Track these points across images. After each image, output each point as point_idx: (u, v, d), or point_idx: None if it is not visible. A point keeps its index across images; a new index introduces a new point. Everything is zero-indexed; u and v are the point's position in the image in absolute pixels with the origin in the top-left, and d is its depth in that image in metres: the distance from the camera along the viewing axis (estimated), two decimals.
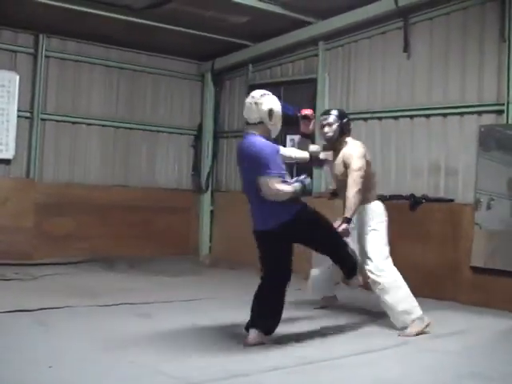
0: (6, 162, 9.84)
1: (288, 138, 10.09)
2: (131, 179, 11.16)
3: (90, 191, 10.30)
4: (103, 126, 10.88)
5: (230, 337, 5.53)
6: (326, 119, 6.36)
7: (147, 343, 5.20)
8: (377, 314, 6.40)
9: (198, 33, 10.04)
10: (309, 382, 4.33)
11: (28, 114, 10.08)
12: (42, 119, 10.17)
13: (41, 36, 10.17)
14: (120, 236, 10.43)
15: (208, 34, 10.15)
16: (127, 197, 10.75)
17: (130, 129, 11.19)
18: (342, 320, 6.38)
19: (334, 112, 6.41)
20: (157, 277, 8.86)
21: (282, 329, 5.44)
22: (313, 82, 9.96)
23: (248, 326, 5.35)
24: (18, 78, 9.91)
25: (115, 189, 10.75)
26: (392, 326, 5.92)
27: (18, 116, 9.90)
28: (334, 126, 6.28)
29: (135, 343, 5.15)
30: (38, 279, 8.38)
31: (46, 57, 10.30)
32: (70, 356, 4.61)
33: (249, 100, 5.36)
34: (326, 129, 6.32)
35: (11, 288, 7.57)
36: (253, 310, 5.37)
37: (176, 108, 11.82)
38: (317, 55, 9.94)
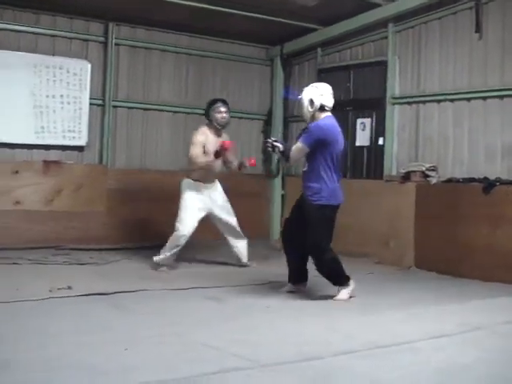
0: (80, 148, 10.06)
1: (358, 121, 10.08)
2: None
3: (161, 177, 10.39)
4: (174, 112, 10.99)
5: (303, 318, 5.55)
6: (226, 107, 8.25)
7: (219, 326, 5.26)
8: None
9: (266, 17, 10.01)
10: (387, 365, 4.27)
11: (100, 102, 10.26)
12: (114, 106, 10.33)
13: (111, 24, 10.31)
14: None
15: (277, 19, 10.11)
16: None
17: (200, 114, 11.21)
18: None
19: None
20: (227, 261, 8.92)
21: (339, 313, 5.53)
22: (383, 64, 9.87)
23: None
24: (89, 66, 10.08)
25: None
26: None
27: (90, 104, 10.09)
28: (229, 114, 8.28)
29: (207, 326, 5.22)
30: (111, 263, 8.54)
31: (116, 45, 10.45)
32: (145, 338, 4.69)
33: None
34: (226, 115, 8.22)
35: (87, 272, 7.75)
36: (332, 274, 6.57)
37: (245, 93, 11.83)
38: (386, 37, 9.84)
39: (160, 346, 4.47)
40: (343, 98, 10.08)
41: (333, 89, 6.69)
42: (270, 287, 7.16)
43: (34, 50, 9.73)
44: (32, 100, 9.61)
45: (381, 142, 9.93)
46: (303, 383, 3.80)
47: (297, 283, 6.91)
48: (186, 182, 8.26)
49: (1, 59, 9.31)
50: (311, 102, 6.50)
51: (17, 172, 9.50)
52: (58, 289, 6.41)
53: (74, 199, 9.78)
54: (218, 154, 7.99)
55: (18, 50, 9.61)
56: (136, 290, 6.59)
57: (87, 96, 10.00)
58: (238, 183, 11.07)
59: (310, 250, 6.58)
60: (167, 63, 10.94)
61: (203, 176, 8.23)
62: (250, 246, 8.66)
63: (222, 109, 8.18)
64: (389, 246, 9.32)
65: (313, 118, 6.55)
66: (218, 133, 8.24)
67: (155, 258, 8.15)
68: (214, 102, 8.32)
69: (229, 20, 10.17)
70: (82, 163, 10.06)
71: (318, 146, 6.39)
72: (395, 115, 9.78)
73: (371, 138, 10.16)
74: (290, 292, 6.84)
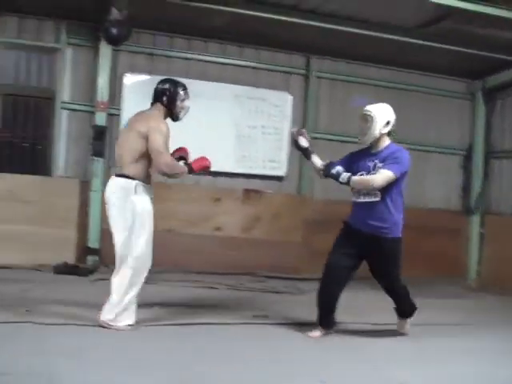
0: (279, 178, 10.28)
1: None
2: None
3: None
4: None
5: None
6: None
7: (413, 363, 5.10)
8: None
9: (469, 51, 9.70)
10: None
11: None
12: (314, 138, 10.43)
13: (312, 57, 10.52)
14: None
15: (479, 52, 9.77)
16: None
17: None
18: None
19: None
20: (421, 298, 8.65)
21: None
22: None
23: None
24: (291, 98, 10.31)
25: None
26: None
27: None
28: None
29: (401, 363, 5.07)
30: (305, 294, 8.56)
31: (318, 77, 10.61)
32: (340, 371, 4.63)
33: None
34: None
35: (282, 301, 7.81)
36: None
37: (445, 127, 11.52)
38: None
39: (356, 379, 4.40)
40: None
41: None
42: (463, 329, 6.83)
43: (237, 81, 10.12)
44: (234, 130, 9.97)
45: None
46: None
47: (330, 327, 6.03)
48: (139, 185, 5.55)
49: (207, 90, 9.74)
50: (388, 123, 5.87)
51: (218, 199, 9.88)
52: (254, 316, 6.51)
53: (272, 228, 9.97)
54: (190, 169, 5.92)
55: (223, 81, 10.03)
56: None
57: (288, 127, 10.20)
58: (433, 218, 10.82)
59: (391, 287, 6.12)
60: (367, 96, 10.90)
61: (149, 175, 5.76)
62: (444, 283, 8.29)
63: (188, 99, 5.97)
64: None
65: (377, 140, 5.86)
66: None
67: None
68: (182, 85, 5.89)
69: (430, 53, 9.95)
70: (280, 193, 10.24)
71: (402, 175, 5.84)
72: None
73: None
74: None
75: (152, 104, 5.87)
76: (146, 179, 5.64)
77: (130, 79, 9.59)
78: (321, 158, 6.15)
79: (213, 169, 9.71)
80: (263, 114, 10.11)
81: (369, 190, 5.72)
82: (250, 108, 10.07)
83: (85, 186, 9.20)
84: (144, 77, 9.60)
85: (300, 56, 10.57)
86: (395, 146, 5.90)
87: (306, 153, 6.19)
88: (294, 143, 6.23)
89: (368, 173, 5.75)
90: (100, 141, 9.25)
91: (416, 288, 8.81)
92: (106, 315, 5.44)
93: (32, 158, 9.84)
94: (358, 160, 5.96)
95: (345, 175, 5.72)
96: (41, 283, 7.67)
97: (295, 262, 9.99)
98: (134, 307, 5.53)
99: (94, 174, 9.21)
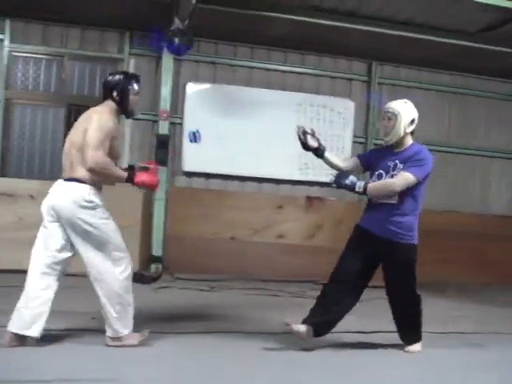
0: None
1: None
2: (461, 204, 10.96)
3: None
4: (437, 151, 10.77)
5: None
6: None
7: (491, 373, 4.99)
8: None
9: None
10: None
11: (362, 140, 10.42)
12: (375, 144, 10.38)
13: (373, 64, 10.48)
14: (449, 262, 10.22)
15: None
16: (458, 222, 10.51)
17: (463, 154, 10.98)
18: None
19: None
20: (487, 306, 8.50)
21: None
22: None
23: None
24: (353, 104, 10.27)
25: (446, 214, 10.57)
26: None
27: (353, 142, 10.26)
28: None
29: (470, 374, 4.97)
30: (369, 301, 8.45)
31: (379, 84, 10.55)
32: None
33: None
34: None
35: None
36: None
37: (506, 132, 11.34)
38: None
39: None
40: None
41: None
42: None
43: (299, 89, 10.13)
44: (296, 137, 9.91)
45: None
46: None
47: (320, 335, 5.42)
48: (91, 191, 4.90)
49: (269, 98, 9.79)
50: (412, 122, 5.35)
51: (281, 207, 9.89)
52: None
53: (334, 235, 9.91)
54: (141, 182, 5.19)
55: (286, 89, 10.05)
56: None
57: (350, 134, 10.18)
58: (499, 225, 10.62)
59: (403, 300, 5.45)
60: (429, 102, 10.78)
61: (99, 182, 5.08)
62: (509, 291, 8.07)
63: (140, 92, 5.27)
64: None
65: (401, 140, 5.36)
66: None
67: None
68: (134, 76, 5.24)
69: (491, 57, 9.78)
70: (343, 200, 10.19)
71: (424, 178, 5.32)
72: None
73: None
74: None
75: (103, 100, 5.13)
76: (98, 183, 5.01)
77: (192, 88, 9.68)
78: None
79: (275, 176, 9.97)
80: (325, 121, 10.08)
81: (388, 195, 5.26)
82: (312, 115, 10.05)
83: (148, 195, 9.31)
84: (206, 86, 9.70)
85: (361, 62, 10.55)
86: (418, 146, 5.42)
87: (317, 152, 5.63)
88: (303, 145, 5.65)
89: (387, 173, 5.31)
90: (163, 149, 9.36)
91: (479, 296, 8.74)
92: None
93: None
94: (378, 158, 5.48)
95: (360, 184, 5.22)
96: None
97: None
98: None
99: None
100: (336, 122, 10.14)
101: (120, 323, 4.87)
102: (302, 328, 5.22)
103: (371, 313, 6.82)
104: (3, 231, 8.32)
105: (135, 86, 5.11)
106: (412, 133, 5.40)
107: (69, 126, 9.68)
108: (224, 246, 9.56)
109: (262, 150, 9.80)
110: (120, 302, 4.87)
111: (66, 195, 4.80)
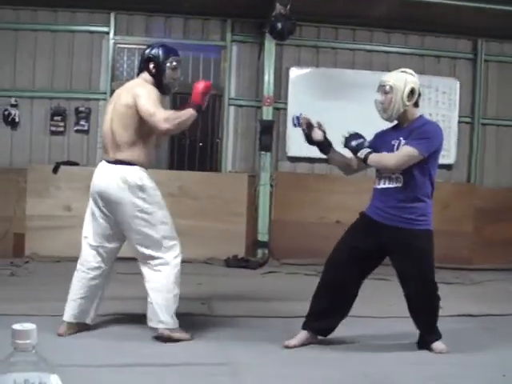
0: (448, 167, 10.02)
1: None
2: None
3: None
4: None
5: None
6: None
7: None
8: None
9: None
10: None
11: (468, 120, 10.15)
12: (483, 124, 10.14)
13: (479, 41, 10.18)
14: None
15: None
16: None
17: None
18: None
19: None
20: None
21: None
22: None
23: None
24: (458, 84, 10.04)
25: None
26: None
27: (459, 122, 10.03)
28: None
29: None
30: (477, 284, 8.33)
31: (485, 61, 10.25)
32: None
33: None
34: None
35: (452, 292, 7.61)
36: None
37: None
38: None
39: None
40: None
41: None
42: None
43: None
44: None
45: None
46: None
47: (319, 334, 4.95)
48: (141, 172, 4.70)
49: (373, 80, 9.53)
50: (412, 92, 4.68)
51: None
52: None
53: (441, 218, 9.67)
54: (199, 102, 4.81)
55: (389, 70, 9.80)
56: (505, 314, 6.31)
57: (456, 114, 9.96)
58: None
59: (421, 290, 4.75)
60: None
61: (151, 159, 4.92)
62: None
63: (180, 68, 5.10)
64: None
65: (404, 115, 4.76)
66: None
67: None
68: (172, 50, 4.98)
69: None
70: (450, 182, 10.00)
71: (432, 154, 4.66)
72: None
73: None
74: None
75: (138, 74, 4.98)
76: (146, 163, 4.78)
77: (295, 72, 9.70)
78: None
79: None
80: (430, 101, 9.87)
81: (388, 173, 4.73)
82: None
83: (252, 180, 9.40)
84: (309, 70, 9.69)
85: (466, 40, 10.26)
86: (425, 119, 4.86)
87: (322, 146, 5.08)
88: (307, 138, 5.09)
89: None
90: (267, 135, 9.43)
91: None
92: None
93: (200, 155, 10.11)
94: (383, 140, 4.92)
95: (364, 151, 4.76)
96: (213, 276, 7.93)
97: (466, 253, 9.73)
98: None
99: (262, 168, 9.40)
100: (441, 102, 9.94)
101: (167, 313, 4.62)
102: (303, 338, 4.82)
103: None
104: None
105: (173, 60, 4.85)
106: (416, 105, 4.79)
107: None
108: (329, 230, 9.49)
109: (367, 133, 9.69)
110: (169, 290, 4.65)
111: (115, 179, 4.60)
